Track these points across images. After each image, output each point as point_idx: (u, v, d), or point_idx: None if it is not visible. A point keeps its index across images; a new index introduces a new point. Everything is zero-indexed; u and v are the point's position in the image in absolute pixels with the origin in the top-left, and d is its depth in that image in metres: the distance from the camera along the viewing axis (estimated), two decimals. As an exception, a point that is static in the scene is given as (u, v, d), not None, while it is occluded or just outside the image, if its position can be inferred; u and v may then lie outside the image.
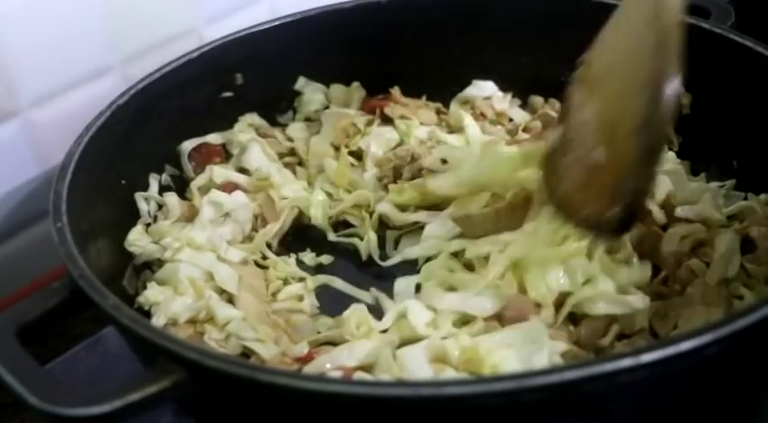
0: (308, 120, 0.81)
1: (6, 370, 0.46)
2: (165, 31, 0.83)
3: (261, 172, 0.73)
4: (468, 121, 0.76)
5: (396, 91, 0.81)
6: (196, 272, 0.64)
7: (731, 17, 0.76)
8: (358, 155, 0.77)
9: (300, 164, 0.77)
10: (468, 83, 0.83)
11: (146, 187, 0.72)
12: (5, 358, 0.47)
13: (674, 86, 0.50)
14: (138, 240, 0.67)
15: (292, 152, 0.77)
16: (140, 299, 0.62)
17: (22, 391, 0.45)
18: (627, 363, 0.43)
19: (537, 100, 0.82)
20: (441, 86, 0.83)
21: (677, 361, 0.43)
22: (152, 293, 0.62)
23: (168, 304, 0.61)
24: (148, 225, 0.70)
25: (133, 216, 0.69)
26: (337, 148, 0.76)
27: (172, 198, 0.71)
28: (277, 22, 0.78)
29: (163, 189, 0.73)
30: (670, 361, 0.43)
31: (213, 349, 0.53)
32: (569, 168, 0.59)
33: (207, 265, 0.64)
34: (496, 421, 0.45)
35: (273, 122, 0.81)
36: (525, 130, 0.77)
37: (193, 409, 0.49)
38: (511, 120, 0.81)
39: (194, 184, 0.73)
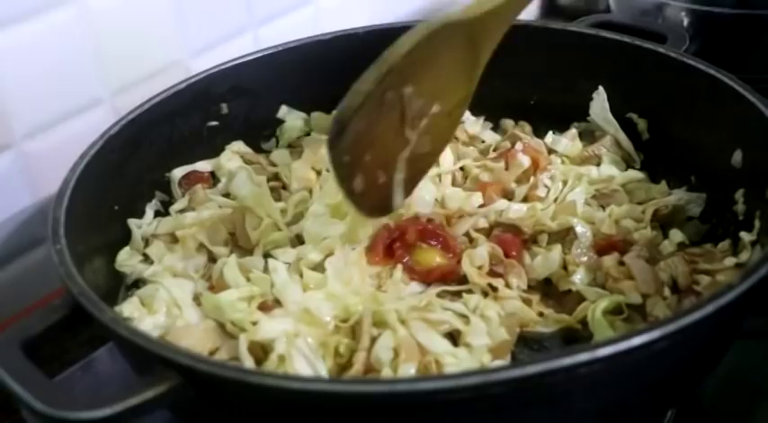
0: (290, 146, 0.86)
1: (14, 379, 0.50)
2: (152, 64, 0.88)
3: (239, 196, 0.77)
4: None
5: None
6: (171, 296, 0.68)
7: (686, 42, 0.81)
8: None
9: (284, 188, 0.81)
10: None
11: (137, 213, 0.76)
12: (12, 369, 0.51)
13: None
14: (127, 260, 0.71)
15: (276, 177, 0.81)
16: (116, 309, 0.65)
17: (29, 399, 0.49)
18: (584, 357, 0.47)
19: (507, 122, 0.87)
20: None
21: (629, 355, 0.48)
22: (127, 308, 0.66)
23: (139, 322, 0.65)
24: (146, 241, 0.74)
25: (126, 238, 0.73)
26: (319, 173, 0.81)
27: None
28: (259, 54, 0.83)
29: (155, 215, 0.77)
30: (622, 355, 0.48)
31: (205, 356, 0.56)
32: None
33: (178, 296, 0.67)
34: (466, 415, 0.49)
35: (258, 149, 0.85)
36: (495, 149, 0.82)
37: (189, 413, 0.53)
38: (483, 141, 0.85)
39: (174, 208, 0.77)
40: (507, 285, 0.68)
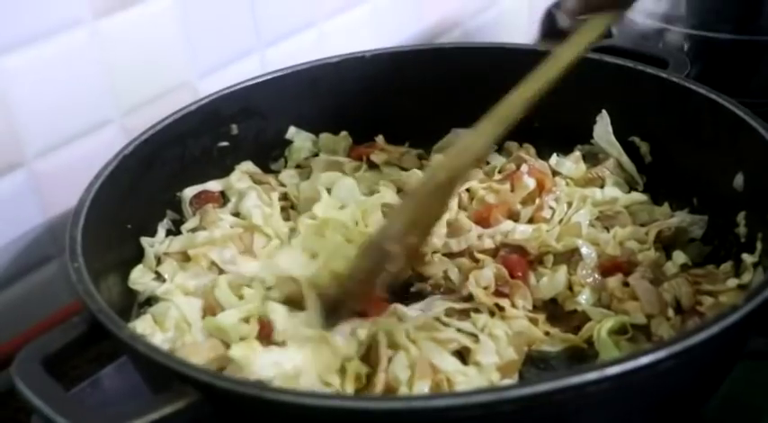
0: (298, 167, 0.87)
1: (35, 395, 0.51)
2: (161, 85, 0.89)
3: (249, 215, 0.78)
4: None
5: (380, 139, 0.88)
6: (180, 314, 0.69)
7: (687, 67, 0.83)
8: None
9: (293, 207, 0.83)
10: (447, 131, 0.90)
11: (150, 231, 0.77)
12: (34, 385, 0.52)
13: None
14: (140, 278, 0.73)
15: (285, 197, 0.83)
16: (129, 325, 0.65)
17: (50, 414, 0.50)
18: (593, 376, 0.49)
19: (512, 145, 0.88)
20: (422, 134, 0.89)
21: (636, 374, 0.49)
22: (140, 325, 0.67)
23: (150, 338, 0.66)
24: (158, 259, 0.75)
25: (139, 256, 0.75)
26: (329, 190, 0.82)
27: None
28: (268, 76, 0.85)
29: (167, 234, 0.78)
30: (629, 374, 0.49)
31: (223, 372, 0.58)
32: None
33: (188, 314, 0.69)
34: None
35: (267, 169, 0.86)
36: (501, 171, 0.83)
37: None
38: (488, 163, 0.87)
39: (185, 227, 0.78)
40: (513, 305, 0.70)
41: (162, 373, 0.52)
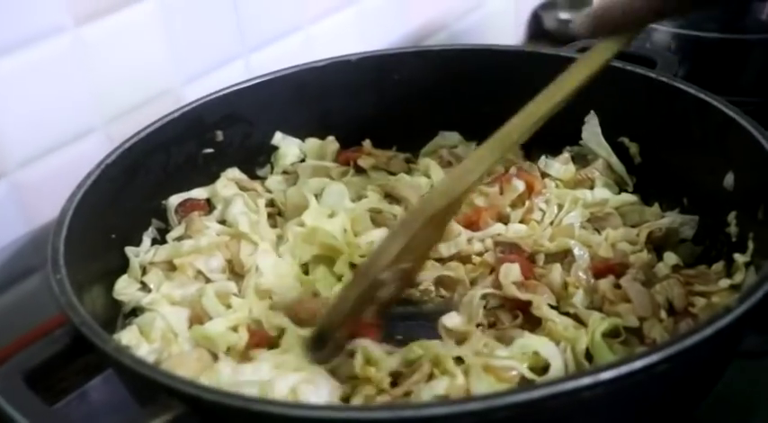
0: (285, 173, 0.86)
1: (17, 411, 0.50)
2: (144, 93, 0.88)
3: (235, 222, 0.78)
4: (433, 166, 0.82)
5: (367, 143, 0.87)
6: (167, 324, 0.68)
7: (675, 67, 0.82)
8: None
9: (280, 214, 0.82)
10: (434, 134, 0.89)
11: (134, 241, 0.76)
12: (15, 400, 0.51)
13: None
14: (125, 288, 0.71)
15: (272, 203, 0.82)
16: (114, 337, 0.65)
17: (33, 429, 0.49)
18: (587, 381, 0.48)
19: (501, 149, 0.87)
20: (409, 138, 0.88)
21: (630, 378, 0.49)
22: (126, 336, 0.66)
23: (136, 350, 0.65)
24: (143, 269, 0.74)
25: (123, 266, 0.73)
26: (316, 196, 0.81)
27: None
28: (253, 81, 0.84)
29: (152, 243, 0.77)
30: (624, 378, 0.48)
31: (210, 385, 0.57)
32: None
33: (174, 324, 0.67)
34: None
35: (253, 176, 0.86)
36: (489, 174, 0.82)
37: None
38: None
39: (170, 236, 0.77)
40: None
41: (148, 386, 0.51)
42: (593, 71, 0.67)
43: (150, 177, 0.77)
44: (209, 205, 0.82)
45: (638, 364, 0.49)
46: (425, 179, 0.81)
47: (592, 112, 0.83)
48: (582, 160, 0.85)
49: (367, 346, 0.62)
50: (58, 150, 0.82)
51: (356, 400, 0.59)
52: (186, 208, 0.79)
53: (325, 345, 0.62)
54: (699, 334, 0.50)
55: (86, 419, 0.73)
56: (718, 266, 0.70)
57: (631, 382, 0.49)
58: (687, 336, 0.50)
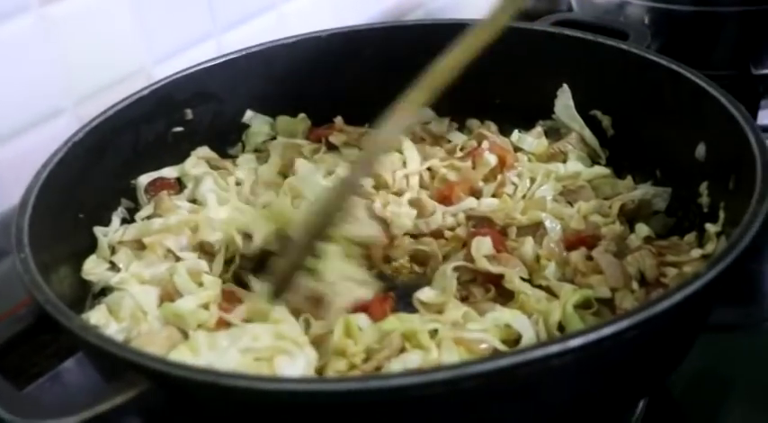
0: (256, 151, 0.85)
1: (-19, 392, 0.49)
2: (115, 72, 0.88)
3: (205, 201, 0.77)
4: (407, 143, 0.81)
5: (339, 120, 0.86)
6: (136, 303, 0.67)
7: (648, 39, 0.82)
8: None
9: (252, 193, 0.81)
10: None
11: (103, 220, 0.75)
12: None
13: None
14: (94, 268, 0.70)
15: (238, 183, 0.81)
16: (83, 316, 0.64)
17: (-7, 408, 0.48)
18: (555, 348, 0.47)
19: (473, 122, 0.87)
20: (381, 114, 0.87)
21: (599, 345, 0.48)
22: (94, 316, 0.65)
23: (105, 329, 0.64)
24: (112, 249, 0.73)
25: (92, 246, 0.72)
26: (285, 176, 0.81)
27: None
28: (223, 59, 0.83)
29: (121, 223, 0.76)
30: (593, 346, 0.48)
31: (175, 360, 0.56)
32: None
33: (144, 302, 0.66)
34: (440, 409, 0.49)
35: (224, 154, 0.85)
36: (462, 149, 0.82)
37: (160, 418, 0.52)
38: (449, 141, 0.85)
39: (139, 216, 0.76)
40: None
41: (114, 364, 0.50)
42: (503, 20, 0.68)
43: (119, 156, 0.76)
44: (179, 184, 0.81)
45: (607, 331, 0.48)
46: (397, 155, 0.80)
47: (564, 85, 0.82)
48: (555, 134, 0.84)
49: (349, 317, 0.62)
50: (27, 132, 0.81)
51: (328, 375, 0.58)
52: (156, 187, 0.78)
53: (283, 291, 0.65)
54: (667, 301, 0.50)
55: (59, 401, 0.72)
56: (691, 237, 0.69)
57: (600, 350, 0.49)
58: (655, 303, 0.50)
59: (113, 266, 0.71)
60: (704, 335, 0.62)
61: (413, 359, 0.58)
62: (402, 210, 0.75)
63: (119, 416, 0.48)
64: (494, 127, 0.85)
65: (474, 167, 0.78)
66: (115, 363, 0.50)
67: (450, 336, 0.60)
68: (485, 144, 0.79)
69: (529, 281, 0.68)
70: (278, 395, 0.47)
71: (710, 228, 0.67)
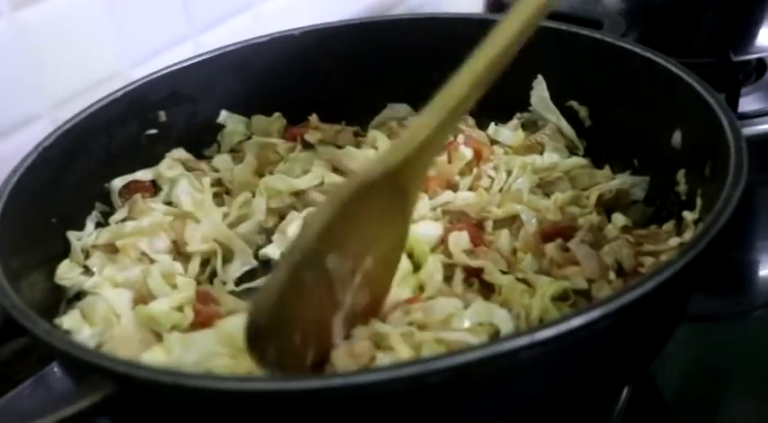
0: (232, 151, 0.84)
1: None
2: (91, 76, 0.87)
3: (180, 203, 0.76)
4: (381, 138, 0.80)
5: (314, 118, 0.85)
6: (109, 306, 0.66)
7: (623, 28, 0.81)
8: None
9: (228, 193, 0.80)
10: (383, 106, 0.87)
11: (77, 225, 0.73)
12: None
13: None
14: (67, 273, 0.69)
15: (219, 182, 0.80)
16: (56, 321, 0.63)
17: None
18: (524, 341, 0.46)
19: (451, 118, 0.86)
20: (357, 111, 0.86)
21: (571, 336, 0.47)
22: (68, 320, 0.64)
23: (77, 333, 0.63)
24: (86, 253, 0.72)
25: (65, 251, 0.71)
26: (261, 175, 0.80)
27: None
28: (196, 60, 0.82)
29: (96, 227, 0.75)
30: (563, 337, 0.47)
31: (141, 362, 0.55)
32: None
33: (117, 306, 0.66)
34: (406, 407, 0.48)
35: (199, 155, 0.84)
36: (436, 144, 0.80)
37: (130, 420, 0.52)
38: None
39: (113, 219, 0.75)
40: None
41: (81, 368, 0.49)
42: (527, 21, 0.61)
43: (92, 160, 0.75)
44: (154, 187, 0.80)
45: (577, 321, 0.47)
46: (373, 151, 0.79)
47: (539, 76, 0.81)
48: (533, 127, 0.83)
49: None
50: (3, 138, 0.80)
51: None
52: (131, 190, 0.77)
53: (262, 336, 0.52)
54: (639, 289, 0.49)
55: (41, 405, 0.71)
56: (669, 226, 0.68)
57: (573, 341, 0.48)
58: (627, 291, 0.49)
59: (87, 271, 0.70)
60: (691, 325, 0.60)
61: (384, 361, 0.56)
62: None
63: (86, 420, 0.48)
64: (471, 121, 0.84)
65: (450, 161, 0.77)
66: (80, 366, 0.49)
67: (430, 337, 0.58)
68: (460, 137, 0.78)
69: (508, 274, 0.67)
70: (239, 395, 0.46)
71: (688, 216, 0.66)
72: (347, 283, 0.56)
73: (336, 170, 0.80)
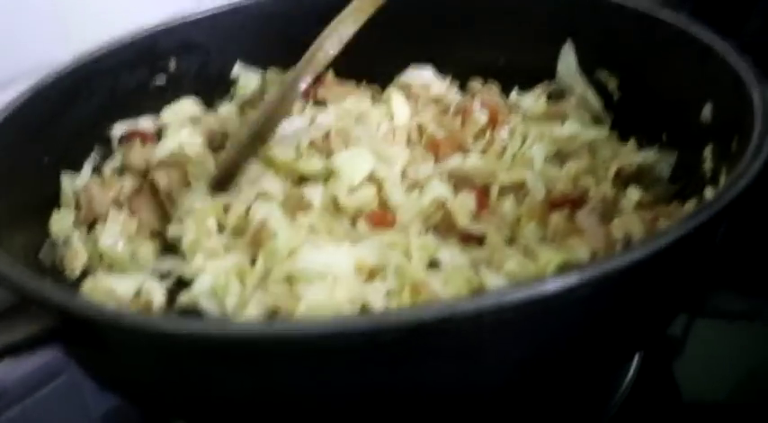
0: (244, 104, 0.80)
1: None
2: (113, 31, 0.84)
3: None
4: (396, 97, 0.76)
5: (329, 74, 0.80)
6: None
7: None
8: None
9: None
10: (406, 66, 0.82)
11: (72, 168, 0.70)
12: None
13: None
14: (60, 226, 0.66)
15: (226, 136, 0.76)
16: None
17: None
18: (489, 301, 0.42)
19: (475, 84, 0.80)
20: (378, 71, 0.82)
21: (544, 302, 0.42)
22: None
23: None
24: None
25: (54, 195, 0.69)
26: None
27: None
28: (210, 13, 0.78)
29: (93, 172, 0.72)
30: (535, 302, 0.42)
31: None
32: None
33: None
34: (361, 367, 0.44)
35: (210, 107, 0.80)
36: (459, 110, 0.76)
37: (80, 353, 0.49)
38: (445, 102, 0.79)
39: (109, 166, 0.73)
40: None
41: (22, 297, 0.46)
42: None
43: (94, 102, 0.72)
44: (158, 137, 0.76)
45: (551, 285, 0.42)
46: (384, 108, 0.75)
47: (568, 41, 0.76)
48: (559, 98, 0.78)
49: None
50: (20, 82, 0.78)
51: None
52: (131, 136, 0.74)
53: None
54: (627, 256, 0.44)
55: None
56: (691, 205, 0.63)
57: (548, 309, 0.43)
58: (613, 258, 0.44)
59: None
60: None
61: None
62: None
63: (20, 351, 0.45)
64: (496, 88, 0.79)
65: (463, 125, 0.72)
66: (21, 296, 0.46)
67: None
68: (476, 100, 0.73)
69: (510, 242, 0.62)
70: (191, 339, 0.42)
71: (709, 192, 0.60)
72: None
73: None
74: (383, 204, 0.65)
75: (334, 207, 0.65)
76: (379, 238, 0.61)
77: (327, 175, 0.67)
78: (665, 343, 0.72)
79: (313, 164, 0.68)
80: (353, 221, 0.64)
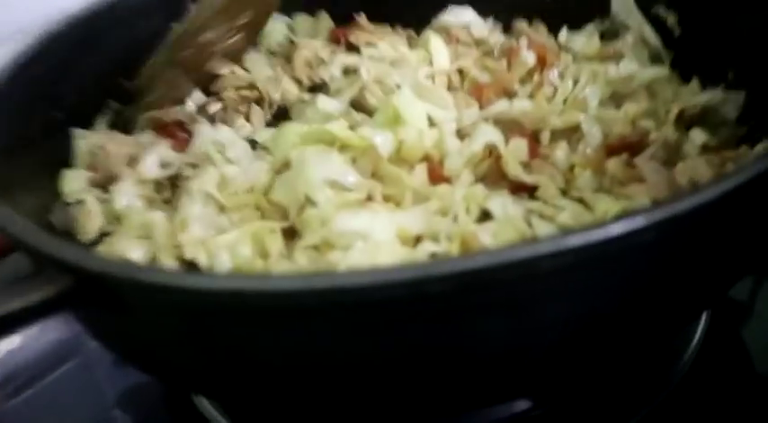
0: (271, 53, 0.79)
1: None
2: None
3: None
4: (435, 39, 0.73)
5: (362, 17, 0.78)
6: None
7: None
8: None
9: (258, 102, 0.74)
10: (442, 8, 0.79)
11: (84, 122, 0.69)
12: None
13: None
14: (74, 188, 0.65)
15: (252, 86, 0.74)
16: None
17: None
18: (547, 247, 0.40)
19: (521, 25, 0.78)
20: (416, 13, 0.80)
21: (607, 247, 0.40)
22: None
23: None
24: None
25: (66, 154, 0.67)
26: (300, 82, 0.74)
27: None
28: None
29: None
30: (597, 246, 0.40)
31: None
32: None
33: None
34: (405, 321, 0.42)
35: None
36: (503, 52, 0.74)
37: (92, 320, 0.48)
38: (488, 44, 0.77)
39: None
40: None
41: (35, 258, 0.45)
42: None
43: (109, 52, 0.71)
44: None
45: (615, 229, 0.40)
46: (423, 52, 0.73)
47: (622, -27, 0.73)
48: (612, 37, 0.75)
49: None
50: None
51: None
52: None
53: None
54: (695, 197, 0.42)
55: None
56: (760, 148, 0.60)
57: (609, 255, 0.41)
58: (679, 199, 0.42)
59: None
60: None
61: None
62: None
63: (37, 316, 0.44)
64: (543, 29, 0.77)
65: (509, 68, 0.70)
66: (34, 257, 0.45)
67: None
68: (522, 41, 0.71)
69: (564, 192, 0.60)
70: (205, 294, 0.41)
71: (782, 134, 0.58)
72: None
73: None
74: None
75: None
76: (424, 205, 0.58)
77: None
78: (731, 307, 0.70)
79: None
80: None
